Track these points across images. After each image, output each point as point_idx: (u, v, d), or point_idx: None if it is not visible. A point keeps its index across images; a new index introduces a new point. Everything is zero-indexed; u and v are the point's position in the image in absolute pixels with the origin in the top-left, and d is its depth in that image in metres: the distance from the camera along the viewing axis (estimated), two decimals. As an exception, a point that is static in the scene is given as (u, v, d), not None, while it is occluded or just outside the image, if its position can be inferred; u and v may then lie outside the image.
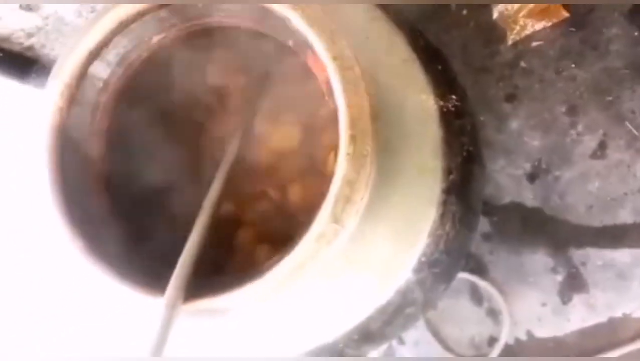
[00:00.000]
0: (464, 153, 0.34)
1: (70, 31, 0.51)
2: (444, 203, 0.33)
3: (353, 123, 0.28)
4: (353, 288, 0.32)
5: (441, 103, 0.33)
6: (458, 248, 0.35)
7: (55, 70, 0.33)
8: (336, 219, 0.27)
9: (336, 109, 0.28)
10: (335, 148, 0.30)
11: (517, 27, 0.58)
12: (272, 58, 0.35)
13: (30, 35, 0.51)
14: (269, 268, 0.28)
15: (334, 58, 0.28)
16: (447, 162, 0.33)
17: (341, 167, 0.27)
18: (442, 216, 0.33)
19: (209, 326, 0.31)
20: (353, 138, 0.28)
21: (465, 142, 0.35)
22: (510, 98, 0.58)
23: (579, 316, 0.54)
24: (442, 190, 0.33)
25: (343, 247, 0.30)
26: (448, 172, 0.33)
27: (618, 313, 0.53)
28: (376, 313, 0.32)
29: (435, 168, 0.33)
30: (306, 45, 0.30)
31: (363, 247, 0.32)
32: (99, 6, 0.54)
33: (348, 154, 0.27)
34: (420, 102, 0.33)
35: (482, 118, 0.58)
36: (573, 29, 0.57)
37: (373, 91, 0.30)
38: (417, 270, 0.33)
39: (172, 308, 0.28)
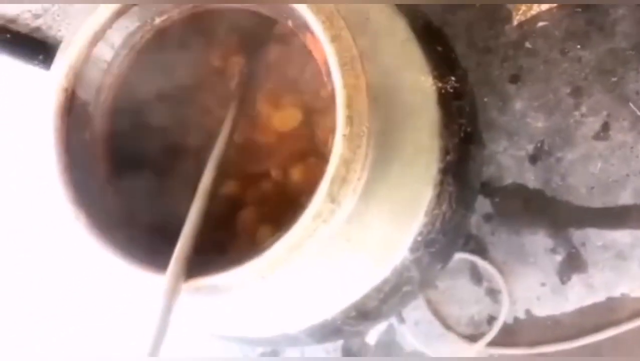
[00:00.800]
0: (462, 134, 0.35)
1: (76, 12, 0.51)
2: (441, 183, 0.34)
3: (350, 104, 0.28)
4: (350, 266, 0.33)
5: (440, 84, 0.34)
6: (455, 227, 0.36)
7: (60, 52, 0.34)
8: (333, 199, 0.28)
9: (334, 90, 0.29)
10: (335, 129, 0.30)
11: (523, 7, 0.57)
12: (273, 38, 0.36)
13: (37, 16, 0.52)
14: (267, 246, 0.28)
15: (332, 39, 0.28)
16: (444, 142, 0.33)
17: (337, 147, 0.28)
18: (439, 196, 0.34)
19: (211, 304, 0.32)
20: (350, 119, 0.28)
21: (463, 123, 0.35)
22: (515, 79, 0.58)
23: (578, 295, 0.54)
24: (439, 170, 0.33)
25: (341, 226, 0.31)
26: (445, 152, 0.34)
27: (616, 293, 0.54)
28: (373, 291, 0.33)
29: (432, 148, 0.33)
30: (305, 26, 0.30)
31: (360, 226, 0.33)
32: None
33: (344, 135, 0.28)
34: (418, 83, 0.33)
35: (485, 99, 0.58)
36: (579, 10, 0.57)
37: (372, 72, 0.31)
38: (414, 249, 0.33)
39: (174, 288, 0.29)
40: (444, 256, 0.38)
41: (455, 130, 0.34)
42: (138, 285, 0.31)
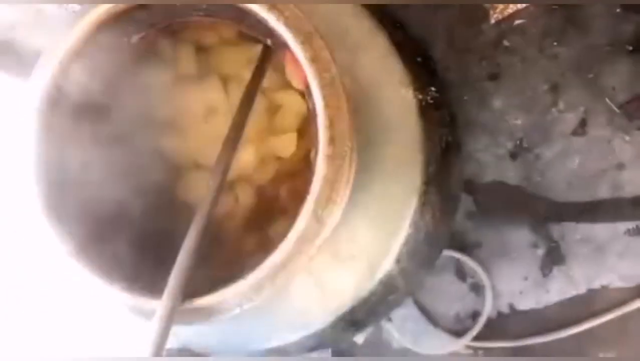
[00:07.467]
0: (443, 145, 0.35)
1: (50, 22, 0.50)
2: (424, 194, 0.34)
3: (331, 124, 0.28)
4: (337, 280, 0.33)
5: (420, 96, 0.34)
6: (438, 236, 0.36)
7: (35, 74, 0.34)
8: (318, 219, 0.28)
9: (314, 110, 0.29)
10: (316, 142, 0.30)
11: (500, 6, 0.58)
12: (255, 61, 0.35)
13: (10, 28, 0.51)
14: (252, 268, 0.29)
15: (312, 60, 0.29)
16: (426, 154, 0.34)
17: (320, 168, 0.28)
18: (423, 206, 0.34)
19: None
20: (332, 140, 0.28)
21: (444, 133, 0.36)
22: (493, 77, 0.59)
23: (559, 288, 0.56)
24: (422, 182, 0.34)
25: (326, 240, 0.31)
26: (427, 163, 0.34)
27: (596, 285, 0.55)
28: (360, 302, 0.34)
29: (414, 161, 0.34)
30: (284, 46, 0.30)
31: (346, 239, 0.33)
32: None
33: (327, 156, 0.28)
34: (399, 96, 0.34)
35: (465, 97, 0.59)
36: (555, 6, 0.57)
37: (352, 86, 0.31)
38: (399, 260, 0.34)
39: (170, 315, 0.28)
40: (428, 264, 0.39)
41: (436, 141, 0.35)
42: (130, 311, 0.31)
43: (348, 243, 0.33)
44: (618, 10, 0.56)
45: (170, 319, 0.28)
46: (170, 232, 0.38)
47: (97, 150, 0.34)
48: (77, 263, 0.31)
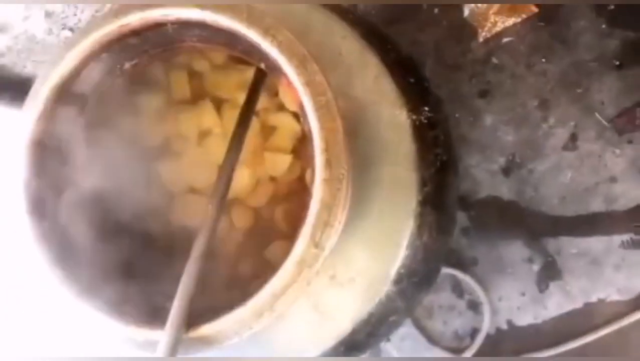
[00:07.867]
0: (438, 164, 0.35)
1: (41, 49, 0.51)
2: (421, 215, 0.34)
3: (327, 147, 0.28)
4: (336, 303, 0.33)
5: (414, 117, 0.34)
6: (436, 255, 0.36)
7: (28, 102, 0.33)
8: (316, 244, 0.28)
9: (310, 134, 0.29)
10: (312, 164, 0.30)
11: (488, 24, 0.59)
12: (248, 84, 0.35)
13: (1, 55, 0.51)
14: (250, 295, 0.28)
15: (306, 84, 0.29)
16: (421, 174, 0.34)
17: (317, 193, 0.28)
18: (419, 227, 0.34)
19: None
20: (328, 163, 0.28)
21: (438, 153, 0.36)
22: (484, 94, 0.59)
23: (556, 303, 0.56)
24: (418, 203, 0.34)
25: (324, 263, 0.31)
26: (422, 184, 0.34)
27: (593, 299, 0.55)
28: (360, 325, 0.33)
29: (410, 181, 0.34)
30: (278, 70, 0.30)
31: (343, 262, 0.33)
32: (70, 22, 0.53)
33: (324, 179, 0.28)
34: (393, 117, 0.34)
35: (457, 115, 0.59)
36: (542, 24, 0.58)
37: (346, 108, 0.31)
38: (397, 281, 0.34)
39: (174, 347, 0.28)
40: (427, 283, 0.39)
41: (431, 161, 0.35)
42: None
43: (346, 266, 0.33)
44: (604, 26, 0.57)
45: (175, 350, 0.28)
46: (165, 257, 0.38)
47: (91, 178, 0.33)
48: (70, 295, 0.30)
